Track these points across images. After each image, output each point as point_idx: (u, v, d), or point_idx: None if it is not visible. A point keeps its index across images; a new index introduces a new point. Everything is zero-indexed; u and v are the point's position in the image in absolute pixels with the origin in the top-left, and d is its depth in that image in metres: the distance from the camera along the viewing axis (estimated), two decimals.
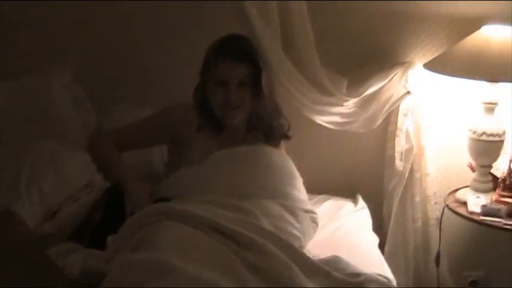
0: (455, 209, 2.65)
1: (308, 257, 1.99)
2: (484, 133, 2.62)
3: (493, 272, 2.97)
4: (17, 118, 2.57)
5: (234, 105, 2.38)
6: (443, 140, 2.87)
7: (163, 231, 1.87)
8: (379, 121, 2.81)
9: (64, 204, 2.24)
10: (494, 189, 2.66)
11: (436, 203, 2.84)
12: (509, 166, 2.59)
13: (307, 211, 2.37)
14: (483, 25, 2.62)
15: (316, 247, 2.28)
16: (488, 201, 2.59)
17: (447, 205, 2.69)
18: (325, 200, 2.76)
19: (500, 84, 2.59)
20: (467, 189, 2.75)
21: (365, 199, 2.80)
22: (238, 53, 2.37)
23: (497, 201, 2.57)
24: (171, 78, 2.82)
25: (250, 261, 1.87)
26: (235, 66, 2.37)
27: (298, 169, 2.49)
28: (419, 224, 2.85)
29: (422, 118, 2.78)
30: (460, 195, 2.72)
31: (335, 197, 2.82)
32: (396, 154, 2.80)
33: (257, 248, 1.91)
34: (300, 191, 2.44)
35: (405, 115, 2.78)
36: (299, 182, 2.46)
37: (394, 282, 2.12)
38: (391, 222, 2.84)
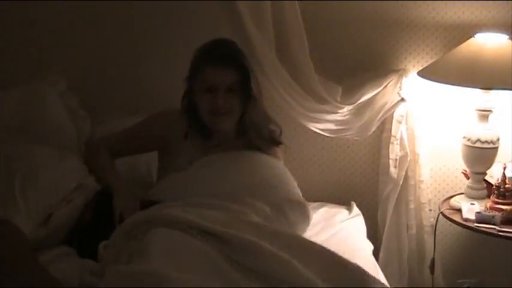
0: (450, 216, 2.66)
1: (307, 241, 1.97)
2: (478, 140, 2.62)
3: (488, 279, 2.96)
4: (12, 127, 2.56)
5: (222, 111, 2.34)
6: (437, 147, 2.88)
7: (154, 240, 1.84)
8: (374, 128, 2.82)
9: (57, 207, 2.24)
10: (488, 196, 2.66)
11: (430, 210, 2.84)
12: (503, 173, 2.59)
13: (297, 204, 2.35)
14: (476, 33, 2.63)
15: None
16: (483, 208, 2.59)
17: (441, 212, 2.69)
18: (319, 207, 2.75)
19: (494, 91, 2.59)
20: (462, 196, 2.75)
21: (359, 206, 2.80)
22: (226, 58, 2.33)
23: (492, 208, 2.57)
24: (165, 86, 2.80)
25: (241, 263, 1.84)
26: (223, 71, 2.32)
27: (293, 176, 2.48)
28: (413, 231, 2.86)
29: (417, 125, 2.79)
30: (454, 202, 2.73)
31: (329, 204, 2.82)
32: (390, 161, 2.80)
33: (248, 247, 1.86)
34: (289, 183, 2.41)
35: (399, 122, 2.78)
36: (288, 176, 2.44)
37: None
38: (386, 229, 2.84)
